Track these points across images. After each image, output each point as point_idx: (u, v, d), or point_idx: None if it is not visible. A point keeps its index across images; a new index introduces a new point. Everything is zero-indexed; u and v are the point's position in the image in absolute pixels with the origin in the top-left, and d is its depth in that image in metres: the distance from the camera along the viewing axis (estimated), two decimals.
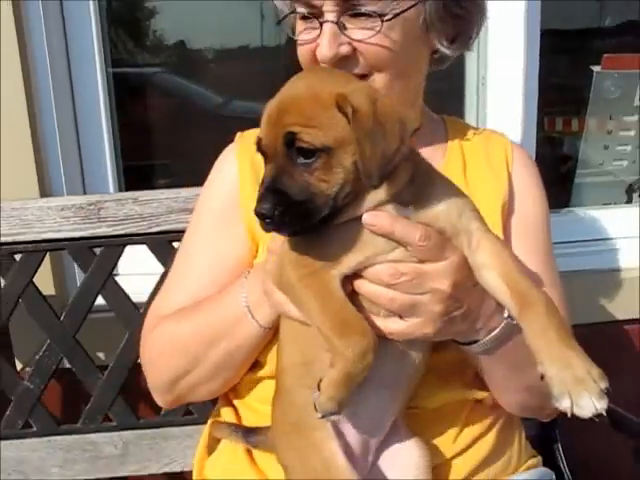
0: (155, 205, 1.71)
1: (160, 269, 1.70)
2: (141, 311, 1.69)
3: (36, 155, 1.85)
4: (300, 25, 1.26)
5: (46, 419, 1.70)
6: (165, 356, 1.28)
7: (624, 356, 2.29)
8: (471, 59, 2.14)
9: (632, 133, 2.37)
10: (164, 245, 1.71)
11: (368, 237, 0.99)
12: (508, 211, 1.36)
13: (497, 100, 2.08)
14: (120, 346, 1.70)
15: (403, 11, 1.17)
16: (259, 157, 1.02)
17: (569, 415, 0.91)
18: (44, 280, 1.80)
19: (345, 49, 1.19)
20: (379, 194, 0.97)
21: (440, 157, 1.38)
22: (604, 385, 0.90)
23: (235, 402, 1.37)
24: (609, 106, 2.34)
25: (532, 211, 1.39)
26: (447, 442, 1.26)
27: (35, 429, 1.70)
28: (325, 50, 1.18)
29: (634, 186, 2.44)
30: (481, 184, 1.36)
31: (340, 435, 1.09)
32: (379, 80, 1.22)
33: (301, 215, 0.94)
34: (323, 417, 0.93)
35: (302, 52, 1.26)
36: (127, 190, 2.11)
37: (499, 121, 2.04)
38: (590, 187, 2.43)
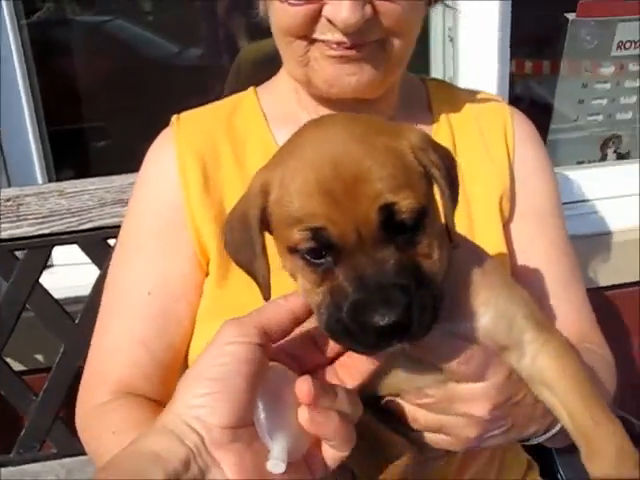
0: (85, 198, 1.47)
1: (95, 271, 1.48)
2: (76, 322, 1.47)
3: None
4: None
5: None
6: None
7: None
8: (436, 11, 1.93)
9: (608, 86, 2.19)
10: (98, 243, 1.48)
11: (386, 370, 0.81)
12: (511, 199, 1.16)
13: (468, 57, 1.87)
14: (55, 363, 1.48)
15: None
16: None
17: None
18: None
19: (369, 10, 0.97)
20: None
21: None
22: None
23: None
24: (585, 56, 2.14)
25: (540, 194, 1.19)
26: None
27: None
28: (348, 12, 0.94)
29: (609, 142, 2.28)
30: (475, 169, 1.15)
31: None
32: (396, 46, 1.03)
33: (430, 309, 0.68)
34: None
35: (294, 15, 0.99)
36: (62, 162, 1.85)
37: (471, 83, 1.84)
38: (564, 144, 2.26)
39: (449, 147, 1.14)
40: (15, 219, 1.45)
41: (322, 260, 0.70)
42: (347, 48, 1.00)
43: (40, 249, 1.47)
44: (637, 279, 2.16)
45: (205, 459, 0.66)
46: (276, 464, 0.67)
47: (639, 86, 2.21)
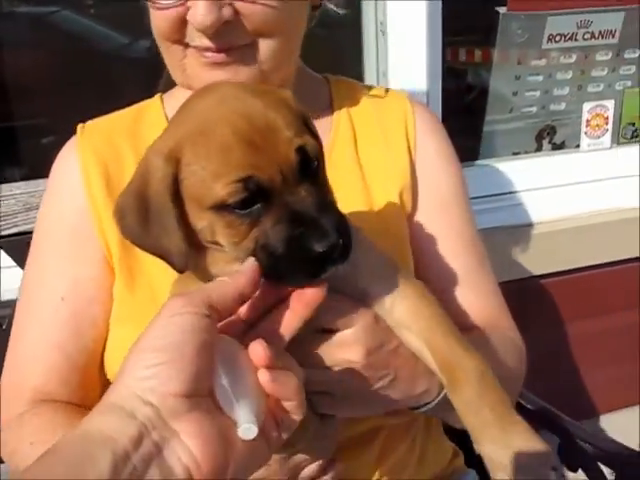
0: (10, 202, 1.45)
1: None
2: (4, 327, 1.46)
3: None
4: None
5: None
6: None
7: (541, 312, 2.23)
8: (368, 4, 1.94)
9: (540, 78, 2.23)
10: (24, 248, 1.45)
11: None
12: (413, 191, 1.17)
13: (398, 51, 1.88)
14: None
15: None
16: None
17: None
18: None
19: (228, 12, 0.96)
20: None
21: (326, 131, 1.16)
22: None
23: None
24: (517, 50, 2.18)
25: (443, 186, 1.20)
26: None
27: None
28: (204, 14, 0.94)
29: (543, 133, 2.33)
30: (376, 162, 1.16)
31: None
32: (266, 47, 1.01)
33: (348, 234, 0.76)
34: None
35: (164, 19, 0.99)
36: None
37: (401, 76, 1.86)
38: (499, 135, 2.29)
39: (350, 141, 1.17)
40: None
41: (250, 209, 0.74)
42: (216, 52, 0.99)
43: None
44: (571, 267, 2.21)
45: (161, 432, 0.63)
46: (248, 428, 0.66)
47: (571, 78, 2.25)
